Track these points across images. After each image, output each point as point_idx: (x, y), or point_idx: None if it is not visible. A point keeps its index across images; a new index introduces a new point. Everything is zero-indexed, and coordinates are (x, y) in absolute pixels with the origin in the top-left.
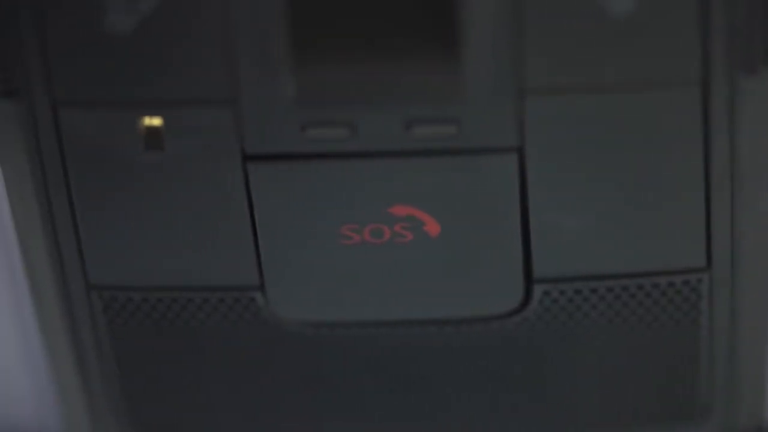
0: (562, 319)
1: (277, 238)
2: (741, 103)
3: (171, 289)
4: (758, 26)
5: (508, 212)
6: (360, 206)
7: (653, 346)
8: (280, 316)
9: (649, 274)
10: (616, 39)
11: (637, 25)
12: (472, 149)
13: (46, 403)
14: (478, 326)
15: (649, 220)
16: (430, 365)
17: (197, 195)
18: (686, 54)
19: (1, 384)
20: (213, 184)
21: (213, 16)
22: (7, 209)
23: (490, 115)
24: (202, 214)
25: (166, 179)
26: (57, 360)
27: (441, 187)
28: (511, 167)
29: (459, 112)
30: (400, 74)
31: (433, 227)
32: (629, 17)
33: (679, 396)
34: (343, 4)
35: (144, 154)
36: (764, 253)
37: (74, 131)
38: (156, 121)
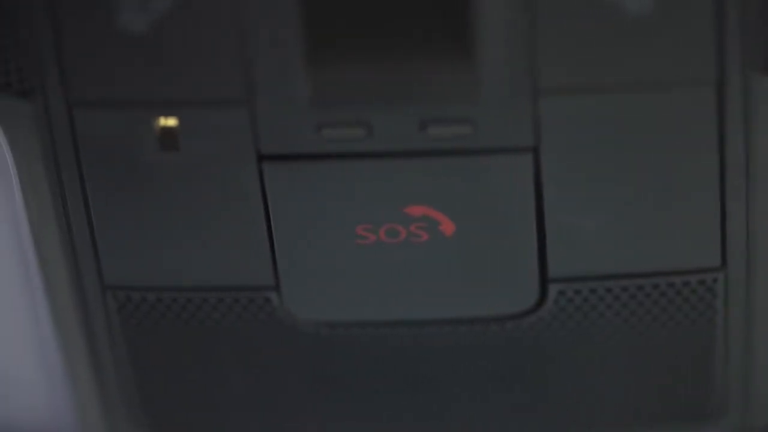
0: (577, 318)
1: (292, 238)
2: (756, 103)
3: (186, 289)
4: None
5: (523, 212)
6: (375, 206)
7: (668, 345)
8: (294, 316)
9: (664, 273)
10: (630, 39)
11: (651, 25)
12: (487, 149)
13: (61, 403)
14: (493, 326)
15: (663, 219)
16: (444, 365)
17: (212, 195)
18: (701, 54)
19: (16, 384)
20: (228, 185)
21: (228, 16)
22: (22, 209)
23: (505, 115)
24: (217, 214)
25: (181, 179)
26: (72, 360)
27: (456, 187)
28: (526, 167)
29: (474, 112)
30: (415, 74)
31: (448, 227)
32: (644, 17)
33: (694, 396)
34: (358, 3)
35: (159, 154)
36: None
37: (89, 131)
38: (171, 122)
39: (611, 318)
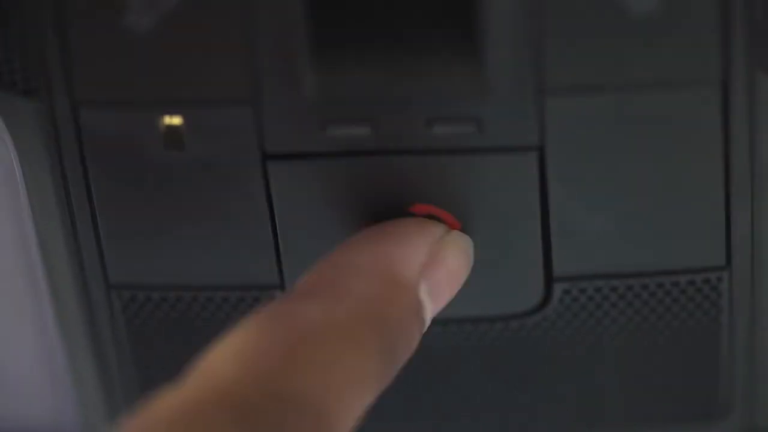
0: (582, 317)
1: (297, 237)
2: (761, 103)
3: (190, 288)
4: None
5: (528, 211)
6: (380, 205)
7: (673, 344)
8: None
9: (669, 272)
10: (636, 39)
11: (657, 26)
12: (493, 148)
13: (65, 401)
14: (498, 325)
15: (668, 218)
16: (449, 364)
17: (217, 194)
18: (706, 54)
19: (20, 382)
20: (233, 184)
21: (233, 16)
22: (26, 208)
23: (510, 114)
24: (222, 213)
25: (185, 179)
26: (76, 359)
27: (461, 185)
28: (532, 166)
29: (480, 111)
30: (421, 73)
31: (453, 225)
32: (650, 17)
33: (699, 394)
34: (364, 3)
35: (164, 153)
36: None
37: (94, 130)
38: (176, 121)
39: (616, 317)
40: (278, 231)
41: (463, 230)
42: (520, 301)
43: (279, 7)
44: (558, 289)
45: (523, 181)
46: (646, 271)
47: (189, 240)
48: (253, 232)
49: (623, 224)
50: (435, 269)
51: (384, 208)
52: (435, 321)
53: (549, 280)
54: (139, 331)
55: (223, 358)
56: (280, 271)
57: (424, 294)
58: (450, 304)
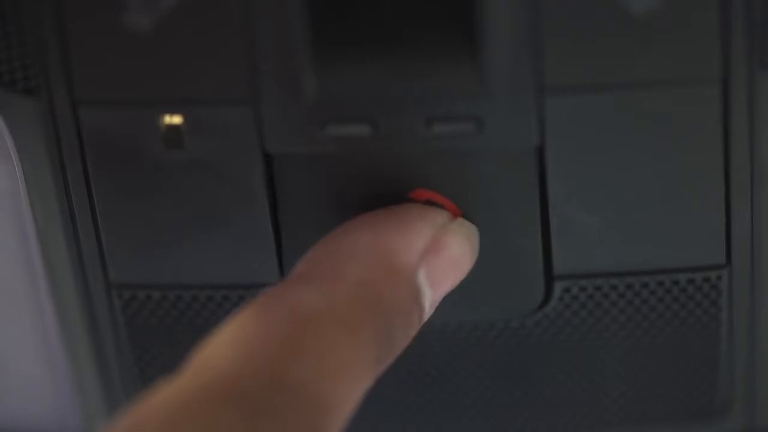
0: (582, 316)
1: (298, 236)
2: (761, 101)
3: (191, 287)
4: None
5: (528, 210)
6: (380, 204)
7: (672, 343)
8: None
9: (668, 270)
10: (635, 38)
11: (657, 24)
12: (493, 147)
13: (66, 401)
14: (499, 324)
15: (668, 217)
16: (449, 363)
17: (217, 193)
18: (706, 53)
19: (21, 382)
20: (233, 183)
21: (233, 15)
22: (27, 207)
23: (510, 113)
24: (223, 212)
25: (186, 177)
26: (77, 358)
27: (461, 184)
28: (532, 165)
29: (479, 111)
30: (421, 73)
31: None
32: (649, 16)
33: (699, 393)
34: (364, 3)
35: (164, 152)
36: None
37: (94, 129)
38: (176, 120)
39: (616, 315)
40: (280, 230)
41: None
42: (520, 299)
43: (279, 7)
44: (558, 287)
45: (522, 180)
46: (646, 270)
47: (189, 239)
48: (254, 231)
49: (623, 223)
50: (435, 255)
51: (385, 206)
52: (435, 322)
53: (549, 278)
54: (139, 330)
55: (222, 347)
56: (281, 270)
57: (422, 279)
58: (450, 304)
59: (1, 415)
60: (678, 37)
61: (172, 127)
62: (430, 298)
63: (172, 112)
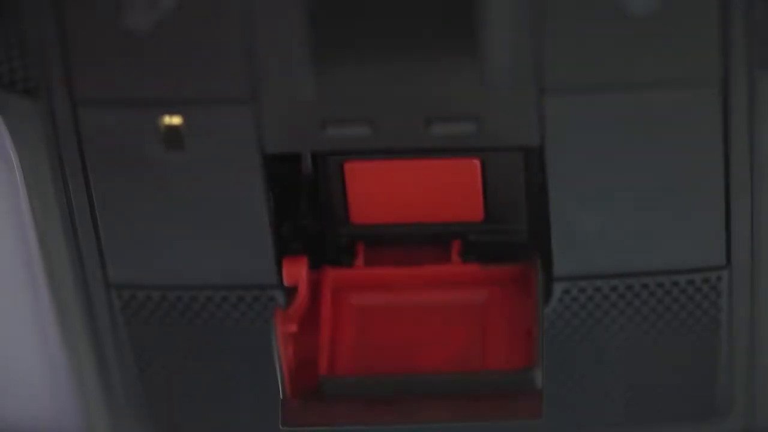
0: (582, 317)
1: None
2: (760, 102)
3: (190, 287)
4: None
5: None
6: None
7: (672, 343)
8: None
9: (668, 271)
10: (635, 38)
11: (657, 25)
12: (492, 147)
13: (66, 402)
14: None
15: (668, 217)
16: None
17: (217, 194)
18: (706, 53)
19: (20, 382)
20: (232, 183)
21: (233, 15)
22: (26, 208)
23: (510, 113)
24: (222, 212)
25: (185, 178)
26: (76, 358)
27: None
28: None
29: (479, 111)
30: (421, 72)
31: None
32: (649, 17)
33: (699, 394)
34: (363, 3)
35: (164, 152)
36: None
37: (94, 130)
38: (176, 120)
39: (616, 316)
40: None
41: None
42: None
43: (278, 7)
44: (558, 288)
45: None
46: (646, 271)
47: (189, 239)
48: (253, 231)
49: (623, 224)
50: None
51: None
52: None
53: (548, 279)
54: (139, 330)
55: None
56: (280, 271)
57: None
58: None
59: (0, 415)
60: (678, 37)
61: (172, 127)
62: None
63: (172, 113)
